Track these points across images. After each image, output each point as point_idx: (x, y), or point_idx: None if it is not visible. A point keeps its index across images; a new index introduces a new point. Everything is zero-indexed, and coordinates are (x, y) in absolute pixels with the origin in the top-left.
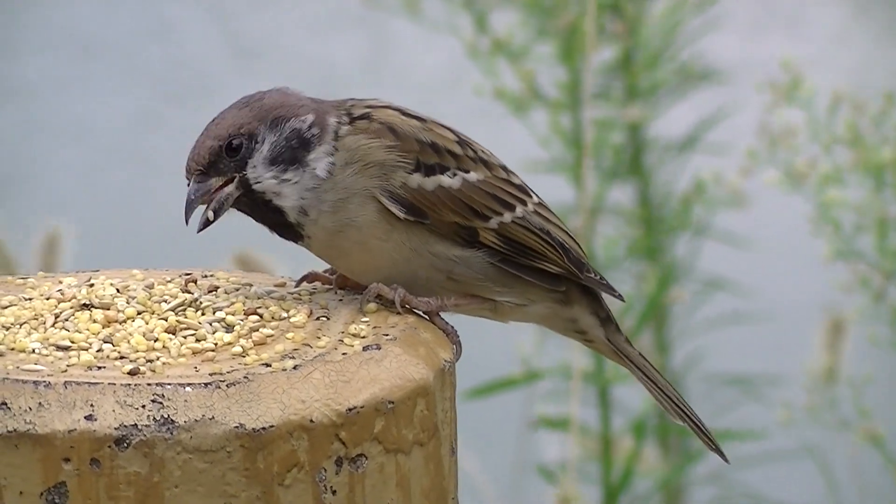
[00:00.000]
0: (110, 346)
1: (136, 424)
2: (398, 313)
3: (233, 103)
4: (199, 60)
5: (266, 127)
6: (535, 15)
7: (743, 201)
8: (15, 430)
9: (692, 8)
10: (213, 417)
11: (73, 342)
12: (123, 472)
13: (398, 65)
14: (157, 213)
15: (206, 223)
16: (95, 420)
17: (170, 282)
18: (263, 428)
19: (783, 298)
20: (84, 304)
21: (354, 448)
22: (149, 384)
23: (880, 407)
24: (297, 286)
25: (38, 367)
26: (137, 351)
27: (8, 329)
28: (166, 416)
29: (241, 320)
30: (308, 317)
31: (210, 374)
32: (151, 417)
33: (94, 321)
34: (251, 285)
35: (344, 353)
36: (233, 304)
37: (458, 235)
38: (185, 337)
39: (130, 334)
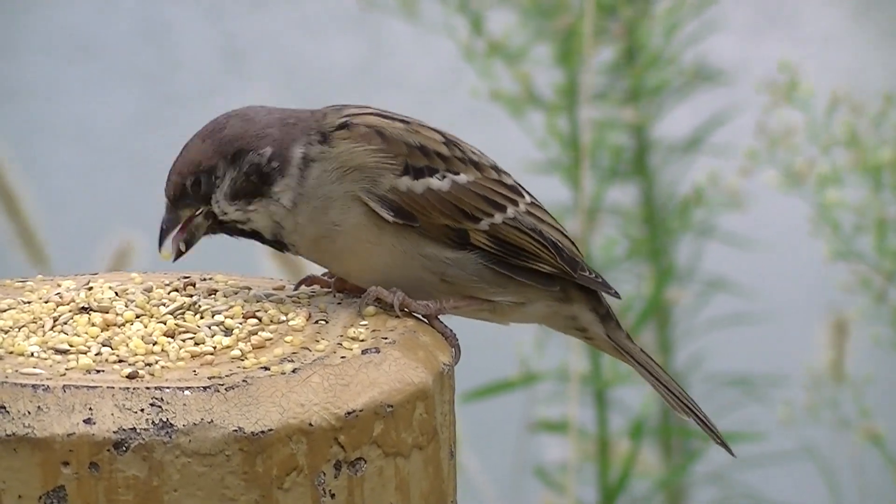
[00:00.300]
0: (109, 349)
1: (134, 428)
2: (397, 316)
3: (199, 131)
4: (195, 62)
5: (227, 161)
6: (532, 16)
7: (742, 203)
8: (14, 433)
9: (691, 9)
10: (212, 421)
11: (71, 346)
12: (122, 475)
13: (394, 67)
14: (155, 214)
15: (179, 254)
16: (94, 424)
17: (168, 285)
18: (262, 431)
19: (784, 299)
20: (83, 308)
21: (353, 452)
22: (147, 388)
23: (881, 407)
24: (295, 289)
25: (37, 370)
26: (136, 354)
27: (6, 332)
28: (165, 419)
29: (240, 324)
30: (307, 320)
31: (209, 378)
32: (150, 421)
33: (93, 324)
34: (250, 288)
35: (343, 357)
36: (231, 307)
37: (449, 238)
38: (183, 340)
39: (129, 338)
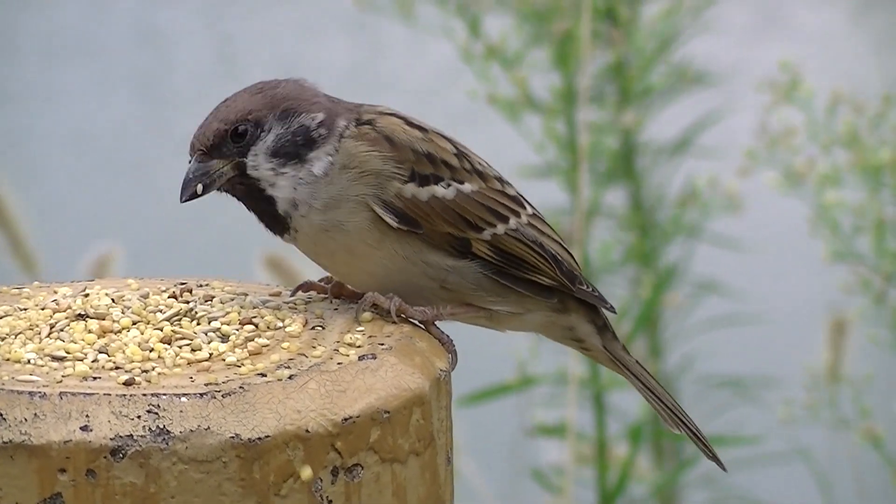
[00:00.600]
0: (105, 356)
1: (131, 435)
2: (394, 322)
3: (247, 87)
4: (191, 65)
5: (275, 117)
6: (529, 20)
7: (738, 205)
8: (10, 441)
9: (687, 12)
10: (209, 428)
11: (68, 353)
12: (119, 482)
13: (390, 69)
14: (150, 218)
15: (193, 195)
16: (91, 431)
17: (165, 291)
18: (259, 438)
19: (784, 300)
20: (79, 315)
21: (350, 458)
22: (144, 394)
23: (879, 407)
24: (292, 295)
25: (34, 377)
26: (133, 361)
27: (3, 339)
28: (162, 426)
29: (237, 330)
30: (303, 326)
31: (205, 385)
32: (147, 428)
33: (90, 331)
34: (246, 295)
35: (339, 363)
36: (228, 313)
37: (452, 246)
38: (180, 347)
39: (126, 344)
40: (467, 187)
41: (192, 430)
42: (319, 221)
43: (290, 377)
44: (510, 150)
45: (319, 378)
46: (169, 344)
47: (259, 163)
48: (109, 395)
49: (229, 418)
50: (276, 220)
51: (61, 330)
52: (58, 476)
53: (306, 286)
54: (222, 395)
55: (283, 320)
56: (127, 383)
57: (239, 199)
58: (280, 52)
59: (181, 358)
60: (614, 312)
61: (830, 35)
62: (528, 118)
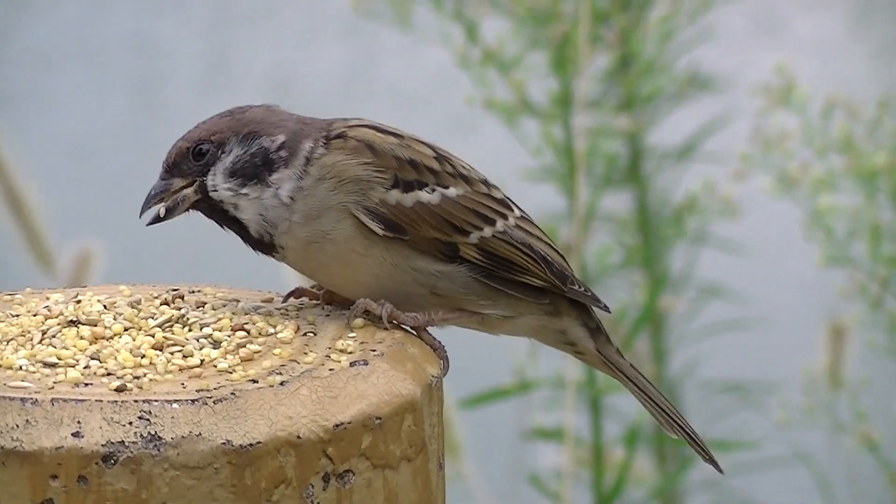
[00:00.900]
0: (97, 362)
1: (123, 441)
2: (385, 329)
3: (221, 111)
4: (184, 72)
5: (238, 139)
6: (526, 24)
7: (735, 211)
8: (2, 447)
9: (686, 17)
10: (201, 434)
11: (60, 359)
12: (111, 488)
13: (385, 75)
14: (139, 226)
15: (157, 219)
16: (83, 437)
17: (157, 297)
18: (251, 444)
19: (781, 305)
20: (71, 321)
21: (342, 464)
22: (136, 401)
23: (877, 412)
24: (284, 301)
25: (25, 383)
26: (124, 367)
27: None
28: (153, 432)
29: (228, 336)
30: (295, 332)
31: (197, 391)
32: (138, 434)
33: (81, 338)
34: (238, 301)
35: (331, 369)
36: (220, 319)
37: (439, 251)
38: (172, 353)
39: (117, 351)
40: (452, 192)
41: (183, 437)
42: (304, 234)
43: (281, 383)
44: (507, 155)
45: (311, 384)
46: (161, 350)
47: (217, 182)
48: (101, 401)
49: (221, 424)
50: (258, 242)
51: (53, 336)
52: (49, 482)
53: (298, 292)
54: (214, 402)
55: (274, 326)
56: (118, 390)
57: (218, 225)
58: (276, 60)
59: (173, 364)
60: (608, 311)
61: (827, 41)
62: (525, 123)
